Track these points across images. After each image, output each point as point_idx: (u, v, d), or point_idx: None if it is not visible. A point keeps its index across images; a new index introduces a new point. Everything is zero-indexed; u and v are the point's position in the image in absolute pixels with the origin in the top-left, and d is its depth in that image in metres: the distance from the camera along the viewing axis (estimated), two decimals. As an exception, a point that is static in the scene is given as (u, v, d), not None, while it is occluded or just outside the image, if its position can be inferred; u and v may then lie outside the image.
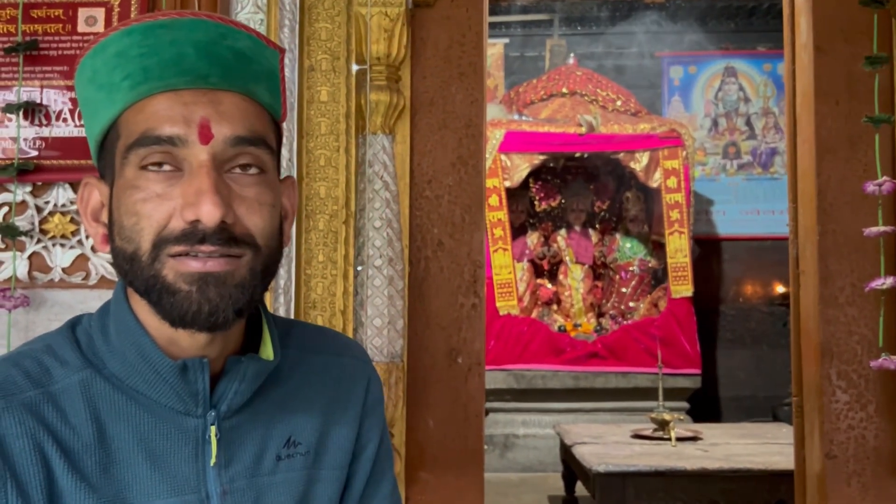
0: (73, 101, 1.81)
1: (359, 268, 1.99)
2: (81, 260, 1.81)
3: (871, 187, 1.94)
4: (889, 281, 1.93)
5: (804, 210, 2.22)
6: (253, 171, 0.74)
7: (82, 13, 1.81)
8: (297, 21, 1.96)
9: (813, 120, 2.12)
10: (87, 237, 1.82)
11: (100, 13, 1.81)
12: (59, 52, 1.80)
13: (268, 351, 0.80)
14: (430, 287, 2.12)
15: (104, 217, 0.78)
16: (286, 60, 1.96)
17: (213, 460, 0.76)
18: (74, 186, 1.81)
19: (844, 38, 2.09)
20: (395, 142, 2.09)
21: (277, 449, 0.80)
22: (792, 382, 2.31)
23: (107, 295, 1.86)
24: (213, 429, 0.76)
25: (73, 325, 0.81)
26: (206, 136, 0.71)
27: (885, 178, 1.94)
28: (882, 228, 1.94)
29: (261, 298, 0.79)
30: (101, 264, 1.81)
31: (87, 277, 1.81)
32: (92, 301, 1.81)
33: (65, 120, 1.79)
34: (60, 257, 1.80)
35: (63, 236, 1.80)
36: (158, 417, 0.75)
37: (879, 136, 1.98)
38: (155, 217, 0.71)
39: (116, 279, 1.87)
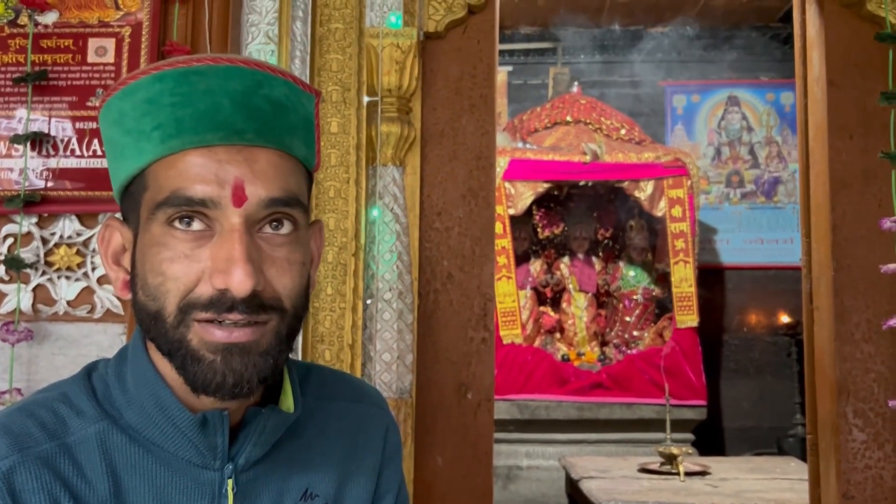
0: (81, 132, 1.79)
1: (368, 301, 1.96)
2: (87, 293, 1.78)
3: (887, 224, 1.92)
4: (907, 319, 1.90)
5: (818, 245, 2.19)
6: (284, 230, 0.72)
7: (92, 44, 1.80)
8: (308, 52, 1.94)
9: (827, 154, 2.10)
10: (92, 269, 1.79)
11: (110, 43, 1.79)
12: (69, 83, 1.78)
13: (288, 402, 0.78)
14: (440, 321, 2.09)
15: (125, 261, 0.75)
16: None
17: None
18: (81, 218, 1.78)
19: (859, 73, 2.08)
20: (406, 173, 2.07)
21: (294, 502, 0.77)
22: (806, 420, 2.27)
23: (112, 329, 1.83)
24: (230, 482, 0.74)
25: (89, 371, 0.78)
26: (239, 198, 0.68)
27: (901, 214, 1.92)
28: (900, 265, 1.92)
29: (285, 362, 0.76)
30: (107, 297, 1.78)
31: (92, 311, 1.77)
32: (97, 335, 1.78)
33: (72, 151, 1.77)
34: (65, 290, 1.77)
35: (69, 268, 1.77)
36: (175, 471, 0.73)
37: (895, 172, 1.96)
38: (182, 280, 0.69)
39: (122, 313, 1.83)
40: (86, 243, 1.79)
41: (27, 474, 0.68)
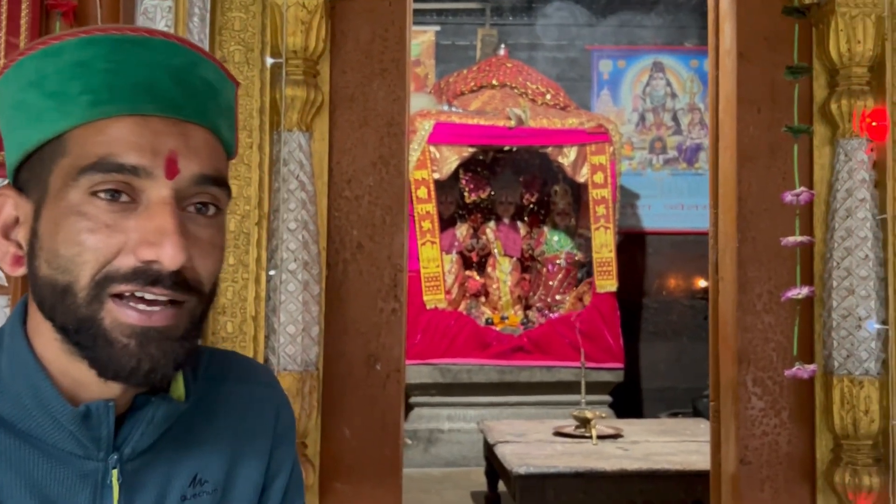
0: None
1: (271, 272, 1.90)
2: (-36, 263, 1.67)
3: (789, 197, 1.95)
4: (804, 291, 1.95)
5: (724, 216, 2.23)
6: (210, 211, 0.70)
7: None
8: (207, 9, 1.84)
9: (735, 126, 2.12)
10: (-29, 238, 1.67)
11: (-14, -6, 1.66)
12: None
13: (179, 389, 0.75)
14: (349, 291, 2.05)
15: (17, 235, 0.70)
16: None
17: None
18: (-44, 183, 1.66)
19: (768, 46, 2.10)
20: (313, 139, 2.00)
21: (182, 489, 0.74)
22: (710, 386, 2.32)
23: (-10, 302, 1.72)
24: (114, 472, 0.70)
25: None
26: (172, 170, 0.66)
27: (802, 188, 1.95)
28: (799, 238, 1.96)
29: (197, 347, 0.73)
30: (-12, 267, 1.67)
31: (-29, 281, 1.67)
32: (-24, 307, 1.68)
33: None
34: (-60, 260, 1.65)
35: (-57, 237, 1.66)
36: (55, 462, 0.68)
37: (798, 146, 1.99)
38: (102, 250, 0.65)
39: (6, 284, 1.73)
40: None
41: None
